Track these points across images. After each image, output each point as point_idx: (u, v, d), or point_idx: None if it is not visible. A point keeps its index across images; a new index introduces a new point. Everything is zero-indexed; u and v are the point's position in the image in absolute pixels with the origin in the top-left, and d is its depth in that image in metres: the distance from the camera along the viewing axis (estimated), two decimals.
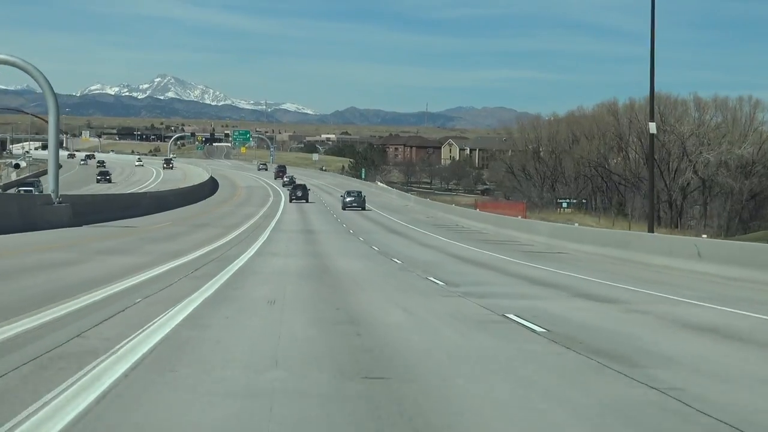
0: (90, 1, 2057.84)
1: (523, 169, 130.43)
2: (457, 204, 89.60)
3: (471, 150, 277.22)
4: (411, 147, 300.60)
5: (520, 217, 59.40)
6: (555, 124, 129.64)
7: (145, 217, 56.79)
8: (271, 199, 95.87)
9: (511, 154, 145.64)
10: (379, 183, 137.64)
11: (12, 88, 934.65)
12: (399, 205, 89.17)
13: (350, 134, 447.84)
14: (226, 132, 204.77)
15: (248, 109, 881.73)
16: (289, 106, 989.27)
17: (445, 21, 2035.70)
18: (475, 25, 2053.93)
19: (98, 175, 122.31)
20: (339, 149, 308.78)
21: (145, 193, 67.00)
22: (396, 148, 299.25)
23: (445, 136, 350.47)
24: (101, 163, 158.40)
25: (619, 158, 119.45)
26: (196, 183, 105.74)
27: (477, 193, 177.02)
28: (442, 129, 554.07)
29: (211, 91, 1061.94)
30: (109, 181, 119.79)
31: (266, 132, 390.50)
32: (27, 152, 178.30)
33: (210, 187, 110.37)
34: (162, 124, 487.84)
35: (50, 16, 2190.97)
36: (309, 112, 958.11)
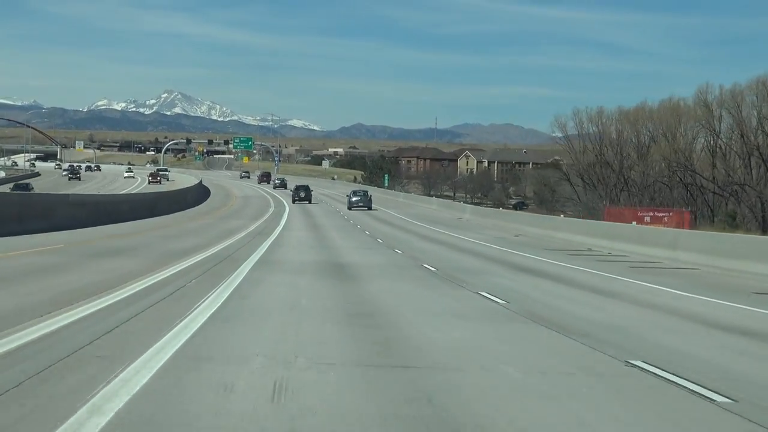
0: (97, 17, 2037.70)
1: (582, 177, 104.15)
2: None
3: (489, 162, 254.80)
4: (425, 159, 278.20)
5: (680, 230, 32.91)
6: (620, 121, 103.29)
7: (38, 234, 31.45)
8: (270, 210, 69.94)
9: (552, 158, 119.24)
10: (401, 193, 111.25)
11: (19, 103, 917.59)
12: (447, 217, 62.98)
13: (358, 148, 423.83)
14: (225, 139, 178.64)
15: (255, 125, 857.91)
16: (296, 123, 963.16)
17: (452, 37, 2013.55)
18: (483, 41, 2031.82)
19: (13, 188, 79.59)
20: (348, 161, 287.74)
21: (66, 195, 40.79)
22: (409, 161, 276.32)
23: (460, 149, 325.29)
24: (75, 174, 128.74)
25: (704, 158, 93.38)
26: (173, 189, 79.48)
27: (509, 207, 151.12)
28: (450, 144, 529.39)
29: (218, 106, 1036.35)
30: None
31: (273, 146, 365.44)
32: None
33: (196, 194, 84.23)
34: (166, 138, 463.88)
35: (57, 32, 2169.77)
36: (315, 128, 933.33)
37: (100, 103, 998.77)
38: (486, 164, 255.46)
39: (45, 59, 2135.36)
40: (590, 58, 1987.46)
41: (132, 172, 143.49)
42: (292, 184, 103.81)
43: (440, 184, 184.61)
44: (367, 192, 78.70)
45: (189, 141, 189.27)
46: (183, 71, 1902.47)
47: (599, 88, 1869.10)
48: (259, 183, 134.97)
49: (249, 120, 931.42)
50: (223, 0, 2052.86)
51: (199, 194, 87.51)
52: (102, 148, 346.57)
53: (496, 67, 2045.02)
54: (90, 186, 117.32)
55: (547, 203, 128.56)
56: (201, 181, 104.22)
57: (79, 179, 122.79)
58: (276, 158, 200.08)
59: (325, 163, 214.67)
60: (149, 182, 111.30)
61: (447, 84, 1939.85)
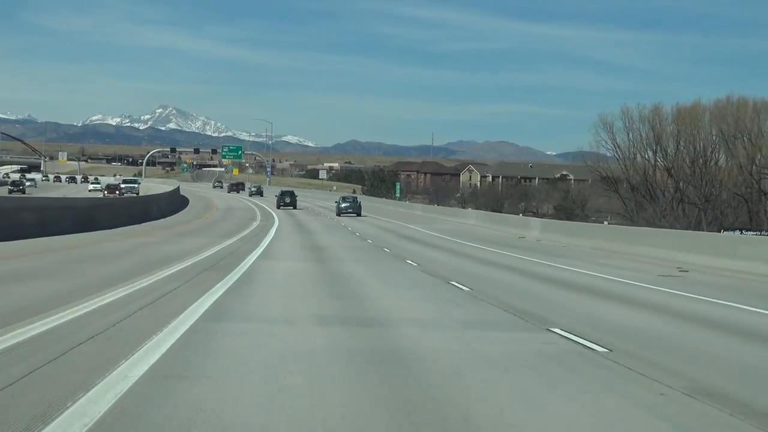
0: (92, 32, 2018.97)
1: (633, 188, 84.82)
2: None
3: (493, 177, 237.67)
4: (425, 173, 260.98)
5: None
6: (681, 121, 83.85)
7: None
8: (254, 224, 50.64)
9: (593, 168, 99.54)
10: (418, 205, 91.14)
11: (14, 117, 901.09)
12: (503, 235, 43.34)
13: (353, 164, 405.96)
14: (213, 149, 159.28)
15: (249, 141, 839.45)
16: (291, 138, 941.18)
17: (447, 55, 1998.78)
18: (478, 59, 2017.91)
19: None
20: (345, 175, 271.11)
21: None
22: (409, 175, 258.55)
23: (462, 164, 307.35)
24: (18, 186, 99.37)
25: None
26: (126, 196, 59.69)
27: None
28: (446, 160, 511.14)
29: (213, 122, 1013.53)
30: None
31: (267, 160, 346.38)
32: None
33: (167, 204, 64.86)
34: (159, 152, 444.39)
35: (53, 46, 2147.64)
36: (310, 144, 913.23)
37: (94, 117, 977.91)
38: (490, 179, 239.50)
39: (40, 73, 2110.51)
40: (585, 76, 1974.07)
41: (99, 184, 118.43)
42: (276, 191, 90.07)
43: (447, 198, 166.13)
44: (356, 198, 78.04)
45: (174, 149, 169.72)
46: (178, 86, 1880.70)
47: (595, 105, 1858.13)
48: (229, 192, 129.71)
49: (244, 135, 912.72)
50: (219, 16, 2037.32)
51: (171, 204, 68.39)
52: (89, 160, 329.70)
53: (491, 85, 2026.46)
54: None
55: (578, 219, 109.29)
56: (177, 189, 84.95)
57: (23, 192, 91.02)
58: (268, 170, 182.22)
59: (323, 173, 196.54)
60: (105, 195, 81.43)
61: (442, 101, 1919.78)
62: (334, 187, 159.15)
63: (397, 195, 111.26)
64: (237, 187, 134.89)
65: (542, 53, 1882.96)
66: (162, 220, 52.99)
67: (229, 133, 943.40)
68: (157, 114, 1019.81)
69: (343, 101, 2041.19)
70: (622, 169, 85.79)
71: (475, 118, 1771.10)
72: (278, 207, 77.51)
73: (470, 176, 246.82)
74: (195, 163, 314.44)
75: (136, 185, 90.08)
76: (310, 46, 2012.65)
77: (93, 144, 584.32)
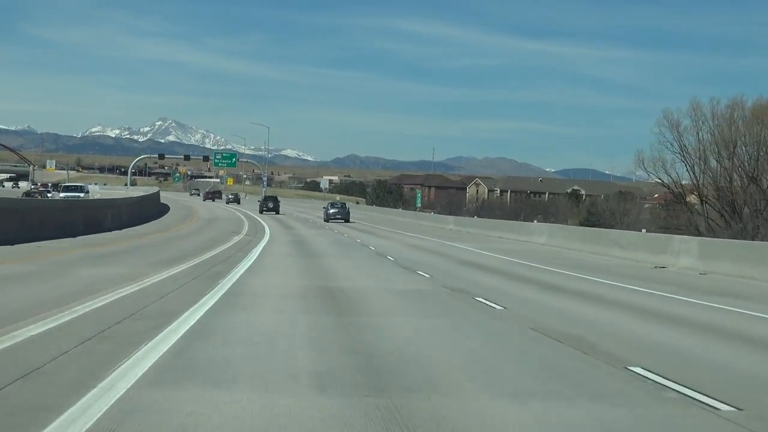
0: (93, 44, 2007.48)
1: (703, 200, 68.83)
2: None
3: (502, 191, 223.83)
4: (430, 187, 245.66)
5: None
6: (735, 121, 67.68)
7: None
8: (235, 239, 34.77)
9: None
10: (450, 217, 75.09)
11: (13, 128, 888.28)
12: (618, 264, 27.07)
13: (352, 177, 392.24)
14: (205, 155, 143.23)
15: (249, 154, 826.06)
16: (290, 152, 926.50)
17: (447, 71, 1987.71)
18: (478, 75, 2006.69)
19: None
20: (346, 188, 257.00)
21: None
22: (412, 188, 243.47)
23: (467, 177, 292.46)
24: None
25: None
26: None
27: None
28: (448, 174, 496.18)
29: (212, 135, 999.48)
30: None
31: (263, 173, 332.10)
32: None
33: (134, 211, 49.25)
34: (155, 163, 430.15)
35: (53, 57, 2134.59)
36: (309, 158, 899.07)
37: (94, 129, 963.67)
38: (498, 192, 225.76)
39: (40, 85, 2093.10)
40: (586, 94, 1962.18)
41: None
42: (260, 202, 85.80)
43: (458, 211, 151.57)
44: (344, 204, 79.30)
45: (162, 156, 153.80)
46: (178, 99, 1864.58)
47: (594, 123, 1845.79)
48: (204, 200, 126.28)
49: (243, 149, 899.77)
50: (218, 29, 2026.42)
51: (139, 212, 52.77)
52: (80, 170, 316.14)
53: (490, 101, 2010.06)
54: None
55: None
56: (152, 195, 70.29)
57: None
58: (263, 178, 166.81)
59: (324, 183, 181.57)
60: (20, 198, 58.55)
61: (441, 117, 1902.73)
62: (338, 198, 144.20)
63: (419, 206, 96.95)
64: (213, 195, 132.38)
65: (543, 70, 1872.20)
66: (112, 232, 37.13)
67: (228, 146, 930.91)
68: (157, 126, 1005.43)
69: (343, 116, 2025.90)
70: (691, 176, 69.75)
71: (475, 134, 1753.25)
72: (261, 212, 78.37)
73: (477, 190, 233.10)
74: (189, 173, 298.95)
75: (82, 194, 67.18)
76: (310, 60, 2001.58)
77: (90, 155, 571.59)
